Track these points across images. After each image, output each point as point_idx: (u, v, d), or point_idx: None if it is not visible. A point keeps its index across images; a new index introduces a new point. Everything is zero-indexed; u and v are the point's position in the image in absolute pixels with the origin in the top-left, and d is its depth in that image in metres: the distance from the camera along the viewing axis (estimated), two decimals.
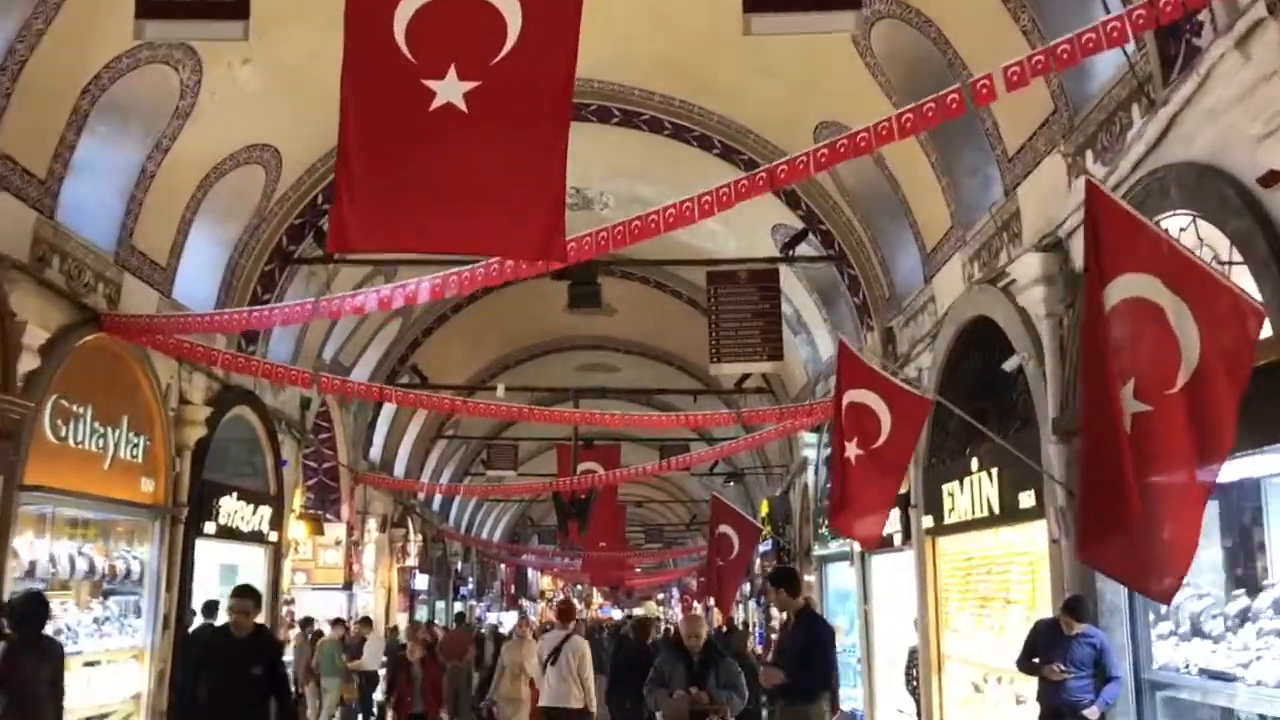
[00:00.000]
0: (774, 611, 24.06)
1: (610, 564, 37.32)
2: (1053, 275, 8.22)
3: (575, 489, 20.42)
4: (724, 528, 18.64)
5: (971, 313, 10.16)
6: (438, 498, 30.01)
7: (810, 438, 17.99)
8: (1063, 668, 7.42)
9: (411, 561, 25.82)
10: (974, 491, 10.11)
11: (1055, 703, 7.50)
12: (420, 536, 27.00)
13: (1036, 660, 7.75)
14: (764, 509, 22.50)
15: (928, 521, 11.66)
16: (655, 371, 25.02)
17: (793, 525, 21.28)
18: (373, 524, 21.64)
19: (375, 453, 22.05)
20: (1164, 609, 7.68)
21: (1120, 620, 7.66)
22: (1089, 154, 7.98)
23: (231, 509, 13.38)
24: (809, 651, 7.39)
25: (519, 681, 11.82)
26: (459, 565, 34.26)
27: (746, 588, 26.03)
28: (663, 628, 27.44)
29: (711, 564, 18.90)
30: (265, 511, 14.46)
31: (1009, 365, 8.77)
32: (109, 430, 10.70)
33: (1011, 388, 9.58)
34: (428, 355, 20.87)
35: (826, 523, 17.33)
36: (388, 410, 21.97)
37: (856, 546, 14.69)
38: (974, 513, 10.18)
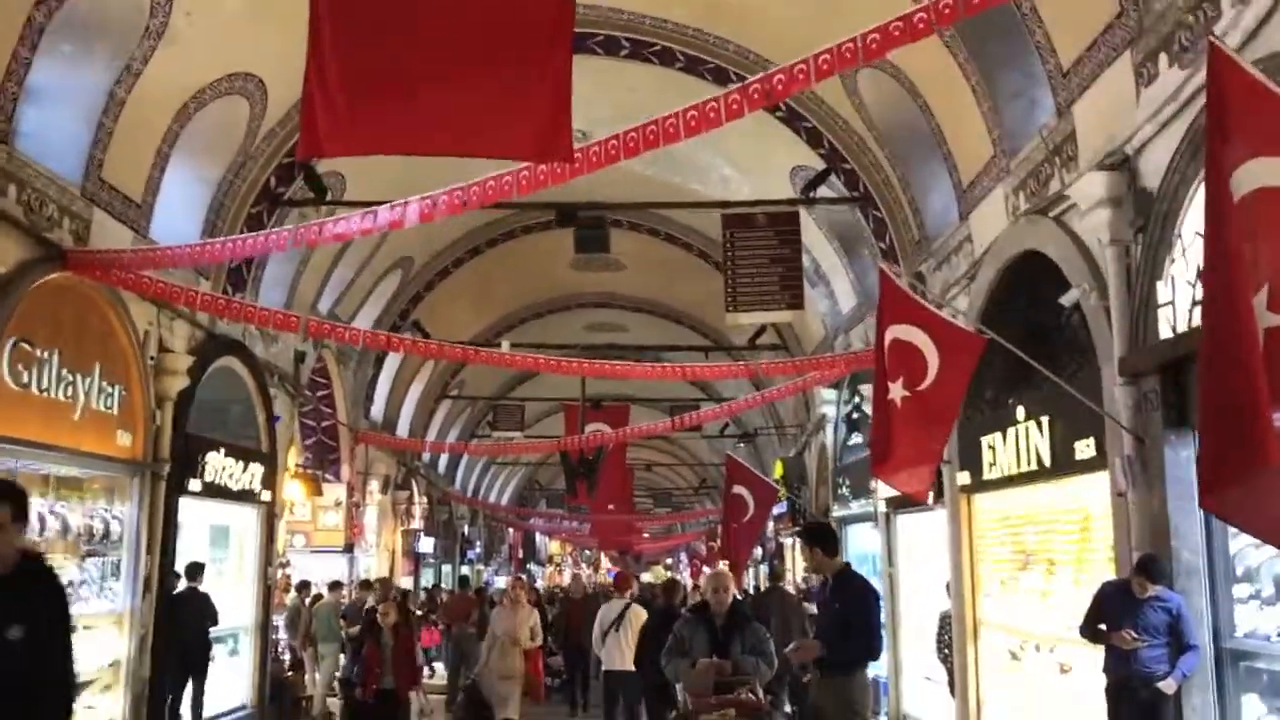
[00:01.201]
0: (791, 575, 23.35)
1: (619, 528, 36.70)
2: (1119, 197, 7.32)
3: (584, 448, 19.60)
4: (739, 488, 17.89)
5: (1017, 248, 9.28)
6: (443, 460, 29.29)
7: (829, 394, 17.16)
8: (1134, 635, 6.61)
9: (416, 524, 25.13)
10: (1019, 443, 9.26)
11: (1125, 674, 6.69)
12: (425, 499, 26.28)
13: (1103, 627, 6.93)
14: (778, 470, 21.70)
15: (963, 478, 10.83)
16: (664, 329, 24.17)
17: (808, 486, 20.49)
18: (375, 485, 20.90)
19: (377, 412, 21.27)
20: (1247, 570, 6.86)
21: (1199, 583, 6.83)
22: (1162, 58, 7.05)
23: (219, 466, 12.59)
24: (850, 617, 6.54)
25: (512, 655, 10.46)
26: (466, 529, 33.58)
27: (758, 552, 25.30)
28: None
29: (726, 526, 18.15)
30: (257, 469, 13.67)
31: (1067, 299, 7.89)
32: (78, 378, 9.88)
33: (1064, 327, 8.70)
34: (430, 312, 20.02)
35: (847, 483, 16.51)
36: (389, 368, 21.18)
37: (881, 507, 13.89)
38: (1019, 466, 9.33)
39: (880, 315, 7.44)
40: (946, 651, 11.57)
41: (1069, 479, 8.61)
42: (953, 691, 11.47)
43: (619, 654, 11.37)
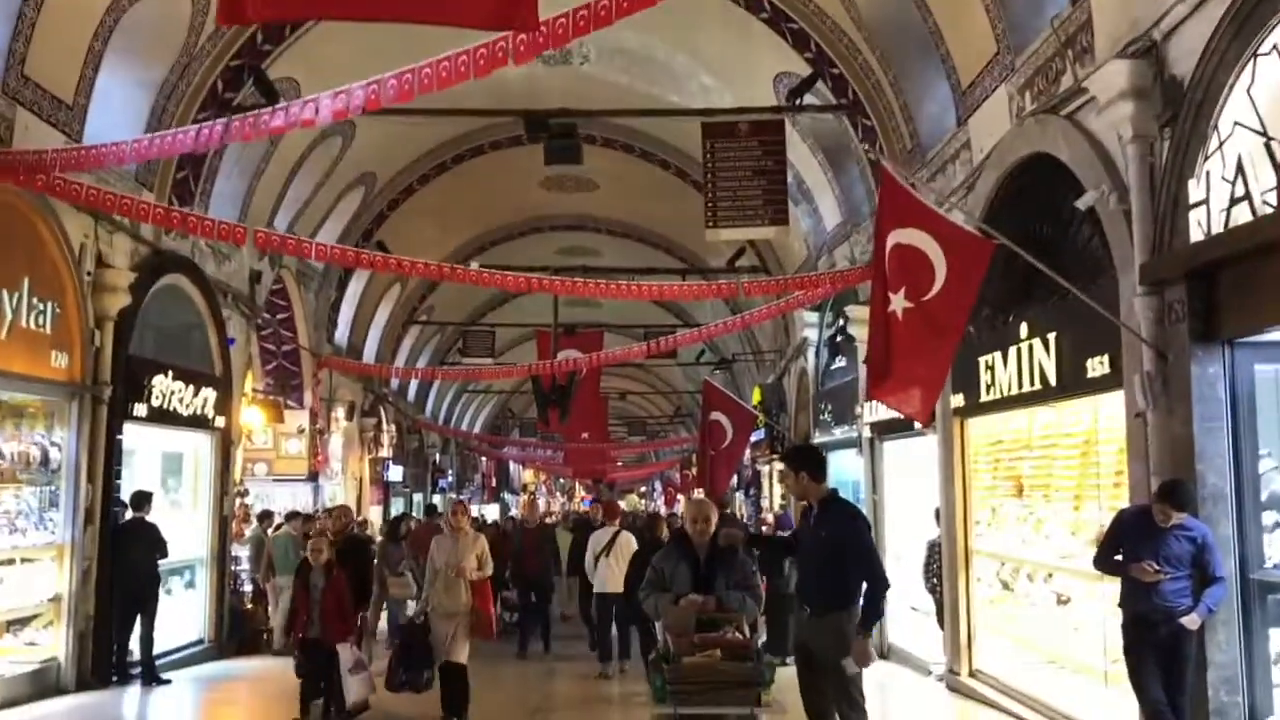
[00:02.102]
0: (768, 504, 22.95)
1: (592, 456, 36.13)
2: (1144, 87, 6.62)
3: (556, 373, 18.93)
4: (716, 414, 17.34)
5: (1023, 151, 8.59)
6: (413, 388, 28.57)
7: (811, 317, 16.53)
8: (1156, 567, 6.04)
9: (384, 452, 24.46)
10: (1022, 363, 8.66)
11: (1145, 609, 6.14)
12: (394, 427, 25.60)
13: (1120, 558, 6.36)
14: (755, 397, 21.13)
15: (957, 401, 10.26)
16: (639, 253, 23.40)
17: (787, 413, 19.96)
18: (340, 412, 20.18)
19: (341, 337, 20.47)
20: (1274, 495, 6.31)
21: (1225, 510, 6.26)
22: None
23: (166, 389, 11.84)
24: (844, 546, 5.93)
25: (456, 589, 8.70)
26: (437, 457, 32.97)
27: (734, 480, 24.86)
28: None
29: (703, 453, 17.61)
30: (209, 394, 12.93)
31: (1082, 203, 7.22)
32: (4, 294, 9.10)
33: (1074, 236, 8.05)
34: (394, 233, 19.13)
35: (829, 408, 15.95)
36: (353, 291, 20.36)
37: (866, 432, 13.33)
38: (1020, 387, 8.75)
39: (880, 218, 6.75)
40: (935, 581, 11.10)
41: (1078, 399, 8.03)
42: (941, 623, 11.01)
43: (610, 577, 11.86)
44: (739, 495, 26.72)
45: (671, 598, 6.01)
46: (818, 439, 16.48)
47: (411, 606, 10.70)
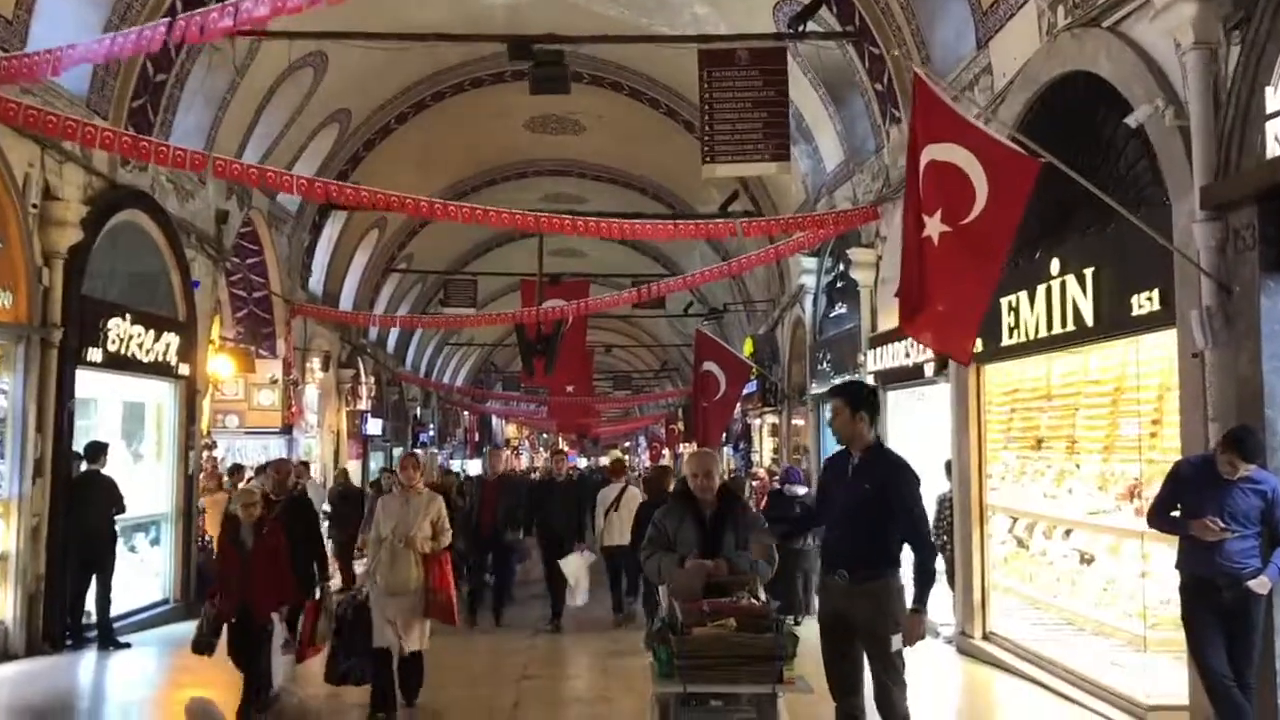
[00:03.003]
0: (758, 458, 22.30)
1: (577, 410, 35.47)
2: None
3: (541, 322, 18.16)
4: (709, 365, 16.64)
5: (1056, 70, 7.83)
6: (392, 339, 27.75)
7: (809, 263, 15.79)
8: (1221, 524, 5.37)
9: (363, 405, 23.69)
10: (1052, 302, 7.94)
11: (1207, 571, 5.47)
12: (373, 379, 24.83)
13: (1177, 514, 5.69)
14: (747, 348, 20.39)
15: (974, 345, 9.54)
16: (627, 200, 22.54)
17: (780, 365, 19.28)
18: (315, 363, 19.37)
19: (316, 284, 19.61)
20: None
21: None
22: None
23: (124, 333, 11.03)
24: (886, 505, 5.05)
25: (404, 562, 7.19)
26: (418, 411, 32.22)
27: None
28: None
29: (695, 405, 16.93)
30: (171, 339, 12.12)
31: (1134, 119, 6.48)
32: None
33: (1114, 161, 7.32)
34: (371, 176, 18.15)
35: (828, 357, 15.25)
36: (328, 236, 19.48)
37: (869, 381, 12.61)
38: (1050, 329, 8.04)
39: (914, 133, 5.99)
40: (945, 539, 10.46)
41: (1120, 340, 7.33)
42: (952, 583, 10.39)
43: (618, 531, 11.80)
44: (727, 450, 26.09)
45: (676, 559, 5.30)
46: (815, 390, 15.81)
47: None
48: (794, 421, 18.80)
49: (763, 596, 5.23)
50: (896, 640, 4.92)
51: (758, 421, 22.10)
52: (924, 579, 5.10)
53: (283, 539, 7.18)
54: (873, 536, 5.07)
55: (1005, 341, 8.80)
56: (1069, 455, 9.01)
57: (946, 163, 5.73)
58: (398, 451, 29.25)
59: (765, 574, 5.42)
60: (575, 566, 11.26)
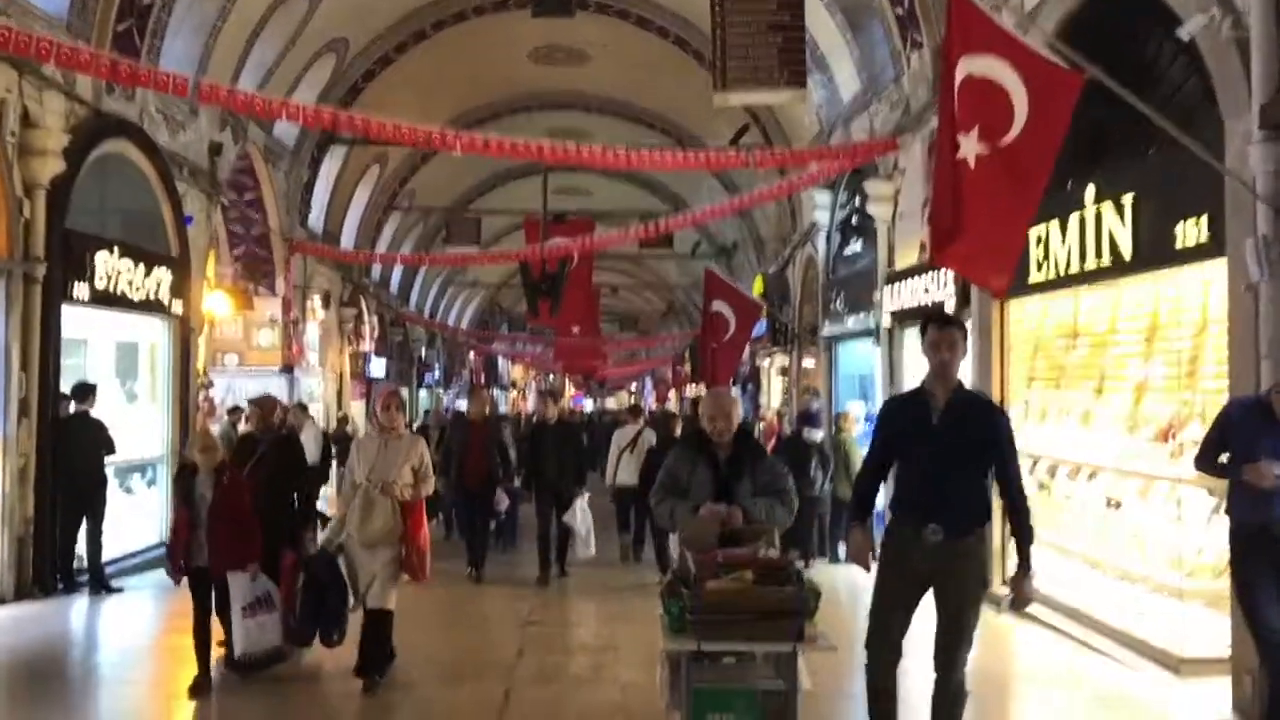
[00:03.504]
0: (766, 400, 21.96)
1: (583, 352, 35.11)
2: None
3: (546, 259, 17.71)
4: (718, 304, 16.22)
5: None
6: (395, 279, 27.32)
7: (822, 198, 15.29)
8: (1277, 470, 4.98)
9: (366, 346, 23.33)
10: (1085, 233, 7.49)
11: (1262, 519, 5.08)
12: (376, 319, 24.44)
13: (1227, 459, 5.29)
14: (757, 287, 19.97)
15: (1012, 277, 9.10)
16: (633, 134, 21.88)
17: (790, 305, 18.84)
18: (316, 302, 18.97)
19: (316, 222, 19.14)
20: None
21: None
22: None
23: (112, 269, 10.62)
24: (983, 450, 4.50)
25: (380, 511, 6.46)
26: (423, 352, 31.84)
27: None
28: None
29: (704, 345, 16.54)
30: (164, 275, 11.72)
31: (1186, 31, 5.99)
32: None
33: (1161, 79, 6.82)
34: (370, 108, 17.47)
35: (842, 296, 14.80)
36: (327, 172, 18.96)
37: (885, 320, 12.21)
38: (1083, 262, 7.60)
39: (948, 46, 5.50)
40: None
41: (1162, 272, 6.88)
42: None
43: (631, 473, 11.81)
44: (734, 391, 25.75)
45: (690, 507, 4.93)
46: (827, 330, 15.40)
47: None
48: (804, 363, 18.41)
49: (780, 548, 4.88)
50: (1008, 604, 4.53)
51: (766, 363, 21.70)
52: (1028, 535, 4.59)
53: (246, 490, 6.45)
54: (969, 489, 4.53)
55: (1033, 277, 8.37)
56: (1097, 396, 8.62)
57: (984, 78, 5.26)
58: (403, 393, 29.00)
59: (784, 522, 5.06)
60: (580, 517, 10.64)
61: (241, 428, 13.07)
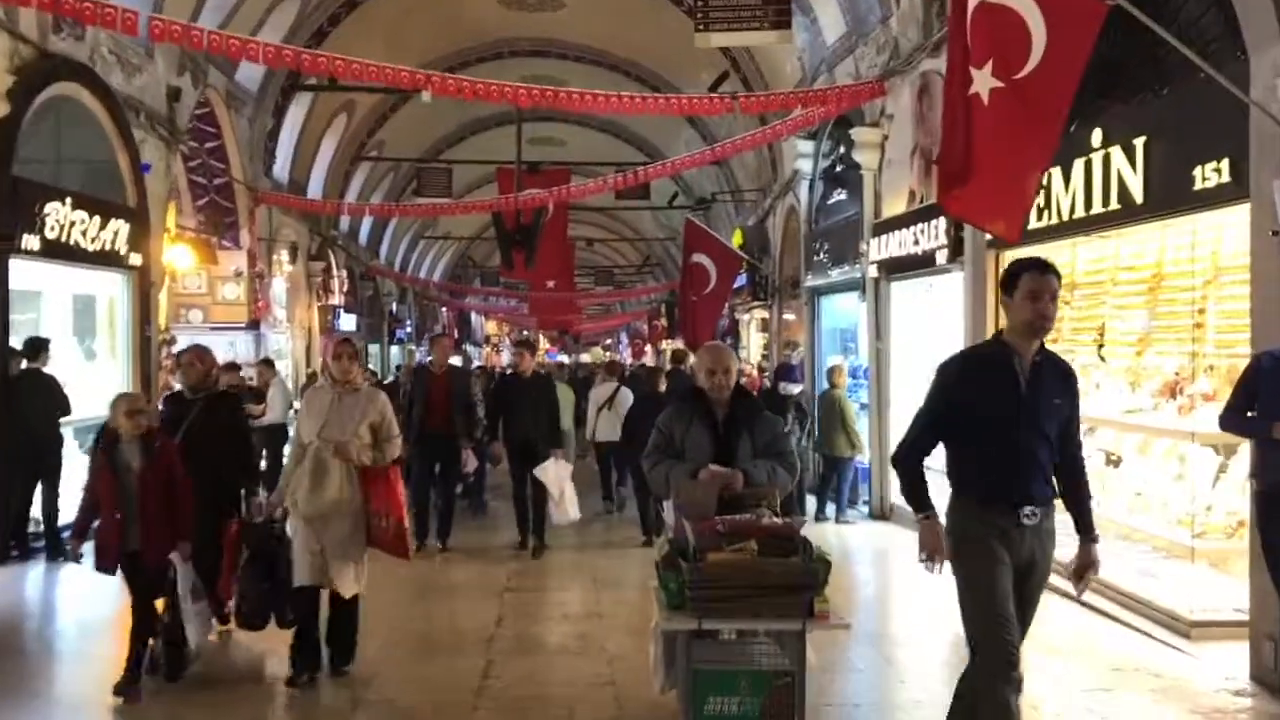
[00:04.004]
0: (746, 354, 21.61)
1: (558, 306, 34.72)
2: None
3: (520, 209, 17.21)
4: (699, 257, 15.80)
5: None
6: (365, 231, 26.71)
7: (805, 146, 14.85)
8: None
9: (335, 300, 22.79)
10: (1093, 178, 7.13)
11: None
12: (345, 273, 23.88)
13: (1254, 414, 4.98)
14: (736, 240, 19.53)
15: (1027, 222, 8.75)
16: (610, 83, 21.23)
17: (771, 257, 18.45)
18: (283, 255, 18.42)
19: (281, 172, 18.53)
20: None
21: None
22: None
23: (64, 219, 10.08)
24: (1068, 420, 3.99)
25: (329, 477, 5.63)
26: (394, 306, 31.30)
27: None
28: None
29: (684, 298, 16.14)
30: (120, 227, 11.18)
31: None
32: None
33: (1179, 11, 6.42)
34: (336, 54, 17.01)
35: (826, 248, 14.42)
36: (293, 120, 18.33)
37: (872, 272, 11.85)
38: (1089, 208, 7.24)
39: None
40: None
41: (1177, 218, 6.53)
42: None
43: (610, 428, 12.06)
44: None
45: (688, 469, 4.56)
46: (810, 282, 15.03)
47: None
48: (785, 316, 18.06)
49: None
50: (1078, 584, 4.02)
51: (746, 317, 21.35)
52: (1088, 505, 4.09)
53: (177, 461, 5.58)
54: (1049, 461, 3.95)
55: (1034, 224, 7.98)
56: (1095, 349, 8.32)
57: (999, 5, 4.86)
58: (374, 348, 28.44)
59: (786, 485, 4.72)
60: (554, 475, 9.46)
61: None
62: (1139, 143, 6.55)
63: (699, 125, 21.65)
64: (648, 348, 43.15)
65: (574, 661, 6.36)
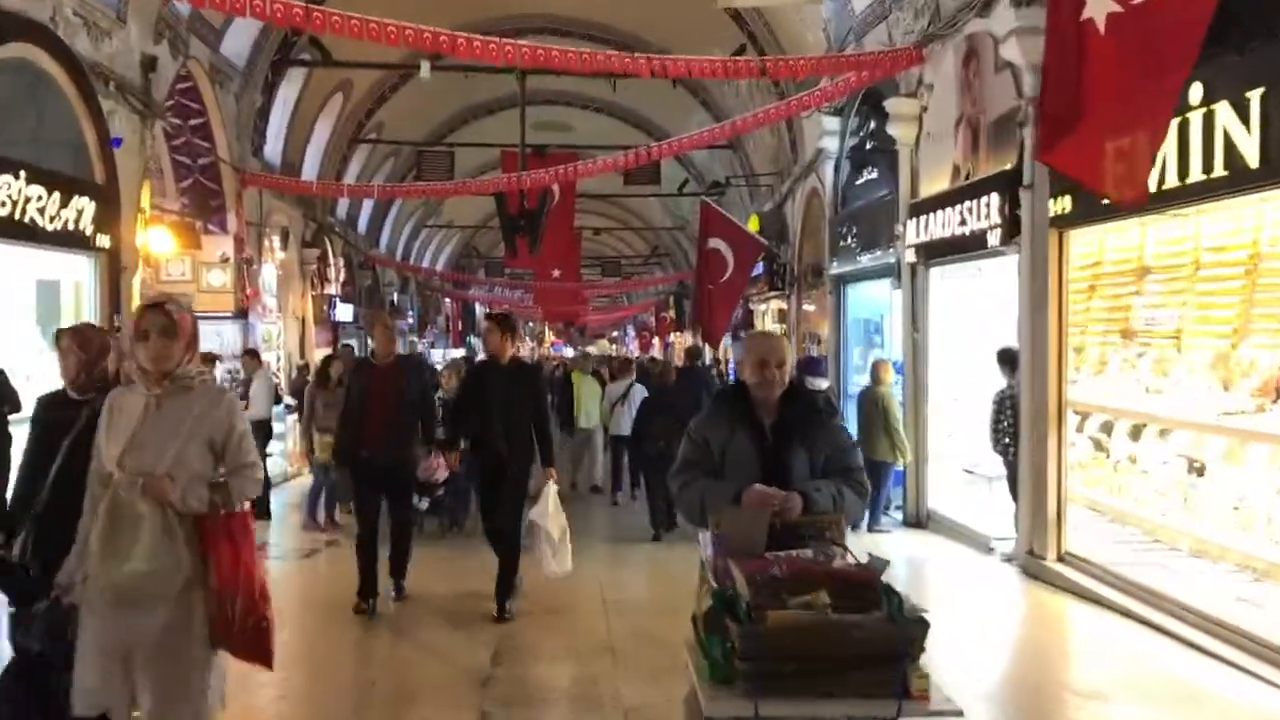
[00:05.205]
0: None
1: (564, 297, 33.70)
2: None
3: (525, 188, 16.20)
4: (715, 242, 14.79)
5: None
6: (364, 218, 25.71)
7: (830, 123, 13.85)
8: None
9: (332, 290, 21.81)
10: (1189, 141, 6.11)
11: None
12: (342, 261, 22.90)
13: None
14: (753, 225, 18.52)
15: (1060, 206, 7.75)
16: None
17: (789, 244, 17.45)
18: (275, 240, 17.43)
19: (273, 153, 17.52)
20: None
21: None
22: None
23: (17, 195, 9.07)
24: None
25: (146, 529, 3.35)
26: (395, 297, 30.30)
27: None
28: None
29: (700, 287, 15.11)
30: (85, 205, 10.18)
31: None
32: None
33: None
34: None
35: (854, 232, 13.38)
36: (284, 98, 17.31)
37: (909, 256, 10.83)
38: (1184, 177, 6.22)
39: None
40: (1007, 441, 8.82)
41: None
42: (1014, 492, 8.79)
43: (625, 423, 12.40)
44: (726, 339, 24.34)
45: (729, 492, 3.54)
46: (836, 269, 14.00)
47: None
48: (804, 307, 17.06)
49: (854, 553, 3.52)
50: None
51: (762, 307, 20.32)
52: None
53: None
54: None
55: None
56: (1175, 342, 7.32)
57: None
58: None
59: (856, 513, 3.71)
60: (551, 513, 6.95)
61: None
62: (1254, 96, 5.53)
63: (712, 107, 20.66)
64: (655, 341, 42.21)
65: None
